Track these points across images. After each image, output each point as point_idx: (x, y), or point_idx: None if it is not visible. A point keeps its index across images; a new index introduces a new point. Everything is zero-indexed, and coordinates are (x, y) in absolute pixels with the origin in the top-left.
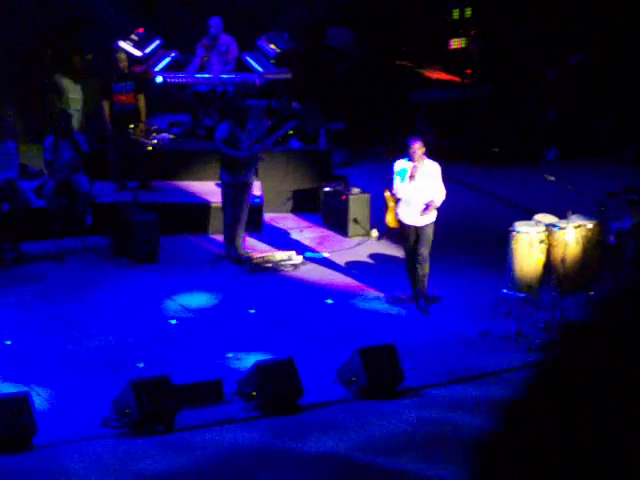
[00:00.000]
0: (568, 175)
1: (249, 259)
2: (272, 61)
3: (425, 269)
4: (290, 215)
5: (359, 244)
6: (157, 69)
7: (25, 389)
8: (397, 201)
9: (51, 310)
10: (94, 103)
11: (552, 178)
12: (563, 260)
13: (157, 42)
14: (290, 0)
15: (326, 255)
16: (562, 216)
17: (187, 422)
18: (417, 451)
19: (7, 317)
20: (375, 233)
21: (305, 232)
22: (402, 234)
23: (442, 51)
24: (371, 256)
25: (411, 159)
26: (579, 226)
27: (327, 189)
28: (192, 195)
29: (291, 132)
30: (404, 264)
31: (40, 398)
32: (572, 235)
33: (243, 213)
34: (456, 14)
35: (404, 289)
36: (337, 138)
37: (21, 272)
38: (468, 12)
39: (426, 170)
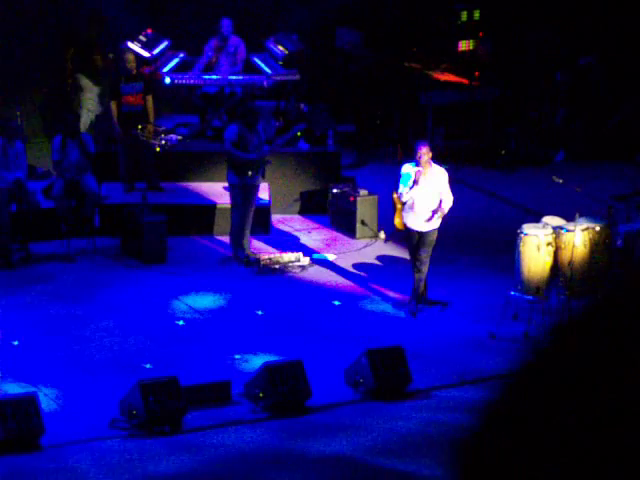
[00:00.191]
0: (576, 177)
1: (257, 260)
2: (280, 62)
3: (422, 273)
4: (298, 216)
5: (367, 246)
6: (165, 70)
7: (33, 389)
8: (403, 205)
9: (59, 310)
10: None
11: (560, 180)
12: (571, 263)
13: (165, 43)
14: (299, 1)
15: (334, 257)
16: (570, 218)
17: (195, 423)
18: (425, 453)
19: (15, 317)
20: (383, 235)
21: (313, 233)
22: (407, 237)
23: (450, 53)
24: (379, 258)
25: (417, 163)
26: (587, 229)
27: (335, 191)
28: (200, 196)
29: (299, 134)
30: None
31: (47, 398)
32: (580, 238)
33: (250, 214)
34: (464, 16)
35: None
36: (345, 140)
37: (29, 272)
38: (476, 14)
39: (432, 176)
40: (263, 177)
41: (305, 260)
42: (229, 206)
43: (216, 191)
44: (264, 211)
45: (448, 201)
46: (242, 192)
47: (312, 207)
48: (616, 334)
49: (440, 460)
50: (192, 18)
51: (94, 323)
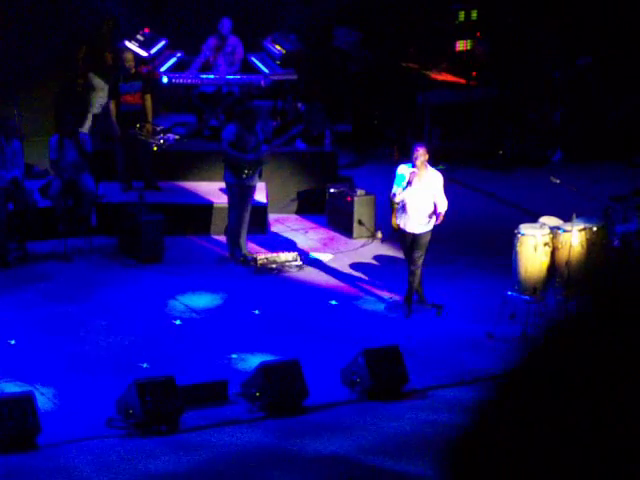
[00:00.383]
0: (573, 177)
1: (254, 260)
2: (278, 62)
3: (416, 274)
4: (295, 216)
5: (364, 245)
6: (163, 69)
7: (29, 389)
8: (397, 205)
9: (56, 310)
10: None
11: (557, 181)
12: (568, 263)
13: (163, 42)
14: (297, 1)
15: (331, 256)
16: (567, 219)
17: (191, 423)
18: (422, 453)
19: (12, 316)
20: (380, 234)
21: (310, 233)
22: (400, 239)
23: (448, 53)
24: (376, 257)
25: (413, 165)
26: (584, 229)
27: (332, 190)
28: (197, 196)
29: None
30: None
31: (44, 398)
32: (577, 238)
33: (246, 214)
34: (462, 16)
35: None
36: (343, 139)
37: (27, 272)
38: (474, 14)
39: (427, 178)
40: (260, 177)
41: (302, 260)
42: (226, 206)
43: (213, 191)
44: (261, 211)
45: (442, 205)
46: (239, 192)
47: (309, 207)
48: (610, 333)
49: (436, 460)
50: (190, 17)
51: (91, 322)
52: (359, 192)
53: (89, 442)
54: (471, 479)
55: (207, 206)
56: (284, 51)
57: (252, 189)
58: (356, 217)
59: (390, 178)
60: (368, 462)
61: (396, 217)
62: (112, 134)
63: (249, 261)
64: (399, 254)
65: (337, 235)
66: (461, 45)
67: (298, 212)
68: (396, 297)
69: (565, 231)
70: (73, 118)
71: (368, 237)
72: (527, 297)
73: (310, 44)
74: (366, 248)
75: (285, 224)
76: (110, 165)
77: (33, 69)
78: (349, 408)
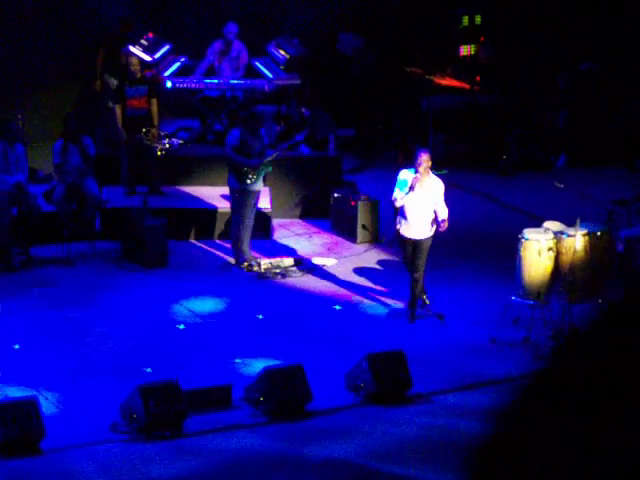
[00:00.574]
0: (577, 182)
1: (258, 265)
2: (282, 67)
3: (419, 280)
4: (299, 221)
5: (368, 250)
6: (166, 74)
7: (33, 393)
8: (399, 212)
9: (59, 314)
10: None
11: (561, 185)
12: (572, 268)
13: (167, 47)
14: (301, 6)
15: (335, 261)
16: (571, 223)
17: (195, 427)
18: (426, 457)
19: (16, 321)
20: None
21: (314, 238)
22: (401, 245)
23: (452, 58)
24: (380, 262)
25: (415, 170)
26: (588, 234)
27: (336, 195)
28: (201, 200)
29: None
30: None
31: (48, 402)
32: (581, 243)
33: (251, 219)
34: (466, 21)
35: None
36: (347, 144)
37: (30, 276)
38: (478, 19)
39: (429, 185)
40: (264, 182)
41: (306, 265)
42: (230, 210)
43: (217, 195)
44: (265, 215)
45: (442, 213)
46: (243, 197)
47: (313, 211)
48: (626, 341)
49: (441, 465)
50: (193, 22)
51: (95, 327)
52: (363, 197)
53: (93, 447)
54: None
55: (211, 211)
56: (288, 56)
57: (256, 194)
58: (360, 222)
59: (394, 182)
60: (372, 467)
61: (397, 223)
62: (117, 138)
63: (253, 266)
64: None
65: (341, 240)
66: (465, 50)
67: (302, 217)
68: (400, 303)
69: (569, 236)
70: (77, 122)
71: (372, 242)
72: (531, 302)
73: (314, 49)
74: (370, 253)
75: (289, 229)
76: (114, 170)
77: (37, 74)
78: (353, 413)
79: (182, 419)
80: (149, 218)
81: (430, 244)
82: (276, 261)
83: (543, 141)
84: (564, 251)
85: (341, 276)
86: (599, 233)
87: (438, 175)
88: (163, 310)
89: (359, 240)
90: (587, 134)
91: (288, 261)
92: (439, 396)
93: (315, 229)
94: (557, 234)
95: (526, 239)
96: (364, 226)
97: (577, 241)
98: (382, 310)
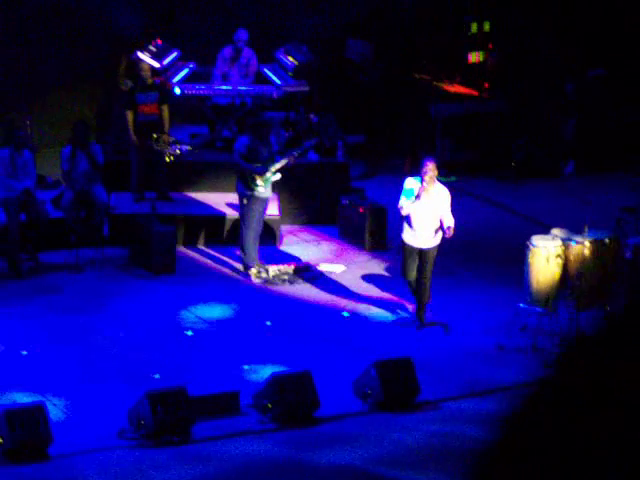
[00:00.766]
0: (585, 189)
1: (266, 271)
2: (290, 73)
3: (426, 288)
4: (307, 227)
5: (376, 257)
6: (175, 80)
7: (41, 399)
8: (403, 220)
9: (68, 320)
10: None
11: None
12: (580, 275)
13: (175, 53)
14: (309, 12)
15: (343, 268)
16: (579, 230)
17: (203, 433)
18: (434, 464)
19: (24, 327)
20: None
21: (322, 244)
22: (404, 253)
23: (460, 65)
24: (388, 269)
25: (421, 179)
26: (596, 241)
27: (344, 202)
28: (209, 206)
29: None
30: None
31: (56, 408)
32: (589, 250)
33: (259, 225)
34: (474, 28)
35: None
36: (355, 151)
37: (38, 282)
38: (486, 26)
39: (434, 194)
40: (272, 189)
41: (314, 271)
42: (238, 217)
43: (225, 202)
44: (273, 222)
45: (449, 221)
46: (251, 203)
47: (321, 218)
48: (634, 348)
49: (448, 472)
50: (202, 29)
51: (102, 333)
52: (371, 203)
53: (101, 453)
54: None
55: (219, 217)
56: (296, 62)
57: (265, 201)
58: (368, 228)
59: (402, 189)
60: (380, 474)
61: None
62: (128, 144)
63: (261, 272)
64: None
65: (349, 246)
66: (473, 57)
67: (310, 223)
68: (407, 311)
69: (577, 243)
70: (85, 128)
71: (380, 249)
72: (539, 309)
73: (322, 55)
74: (378, 260)
75: (297, 235)
76: (122, 176)
77: (46, 79)
78: (361, 419)
79: (190, 425)
80: (157, 224)
81: (436, 253)
82: (284, 268)
83: (551, 148)
84: (572, 258)
85: (349, 283)
86: (607, 240)
87: (446, 182)
88: (171, 316)
89: (367, 247)
90: (595, 141)
91: (296, 268)
92: (447, 403)
93: (323, 236)
94: (565, 241)
95: (534, 246)
96: (372, 233)
97: (585, 248)
98: (390, 317)
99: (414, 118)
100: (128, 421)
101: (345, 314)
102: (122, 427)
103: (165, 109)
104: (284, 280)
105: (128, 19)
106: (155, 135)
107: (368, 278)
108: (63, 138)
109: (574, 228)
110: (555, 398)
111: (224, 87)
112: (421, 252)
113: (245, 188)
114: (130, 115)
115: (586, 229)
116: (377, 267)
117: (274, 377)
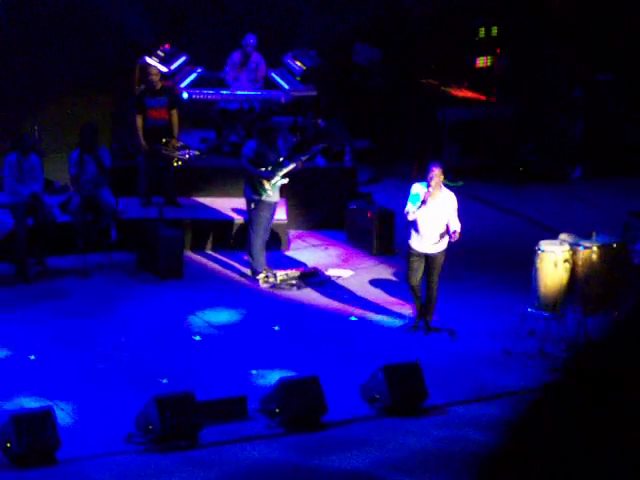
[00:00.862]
0: (593, 194)
1: (273, 276)
2: (298, 78)
3: (433, 293)
4: (314, 232)
5: (383, 262)
6: (183, 85)
7: (49, 404)
8: (410, 225)
9: (75, 325)
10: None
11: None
12: (587, 279)
13: (183, 58)
14: (317, 17)
15: (351, 273)
16: (587, 235)
17: (210, 438)
18: (441, 469)
19: (32, 331)
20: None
21: (330, 249)
22: (409, 259)
23: (468, 69)
24: (395, 274)
25: (428, 184)
26: (603, 246)
27: (352, 206)
28: (217, 211)
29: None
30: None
31: (63, 413)
32: (596, 255)
33: (267, 230)
34: (482, 32)
35: None
36: (363, 155)
37: (46, 287)
38: (494, 30)
39: (441, 199)
40: (280, 193)
41: (321, 276)
42: (246, 221)
43: (232, 206)
44: (281, 227)
45: (455, 226)
46: (259, 208)
47: (329, 223)
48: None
49: (456, 477)
50: (210, 33)
51: (110, 338)
52: (379, 208)
53: (108, 457)
54: None
55: (226, 222)
56: (304, 67)
57: (272, 205)
58: (376, 233)
59: (410, 194)
60: (388, 478)
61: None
62: (136, 149)
63: (269, 277)
64: None
65: (357, 251)
66: (481, 61)
67: (318, 228)
68: (413, 315)
69: (585, 248)
70: (93, 132)
71: (387, 254)
72: (546, 314)
73: (330, 60)
74: (385, 265)
75: (305, 240)
76: (130, 180)
77: (54, 84)
78: (368, 424)
79: (197, 430)
80: (165, 229)
81: (444, 259)
82: (292, 272)
83: (559, 152)
84: (580, 263)
85: (356, 288)
86: (615, 245)
87: (453, 187)
88: (179, 321)
89: (375, 252)
90: (603, 145)
91: (303, 273)
92: (454, 407)
93: (331, 241)
94: (573, 246)
95: (542, 251)
96: (380, 237)
97: (593, 253)
98: (397, 322)
99: (421, 123)
100: (135, 426)
101: (353, 318)
102: (129, 432)
103: (174, 114)
104: (292, 285)
105: (138, 25)
106: (164, 139)
107: (376, 283)
108: (71, 143)
109: (582, 233)
110: (560, 403)
111: (232, 92)
112: (428, 257)
113: (253, 193)
114: (139, 120)
115: (594, 234)
116: (385, 272)
117: (282, 382)
